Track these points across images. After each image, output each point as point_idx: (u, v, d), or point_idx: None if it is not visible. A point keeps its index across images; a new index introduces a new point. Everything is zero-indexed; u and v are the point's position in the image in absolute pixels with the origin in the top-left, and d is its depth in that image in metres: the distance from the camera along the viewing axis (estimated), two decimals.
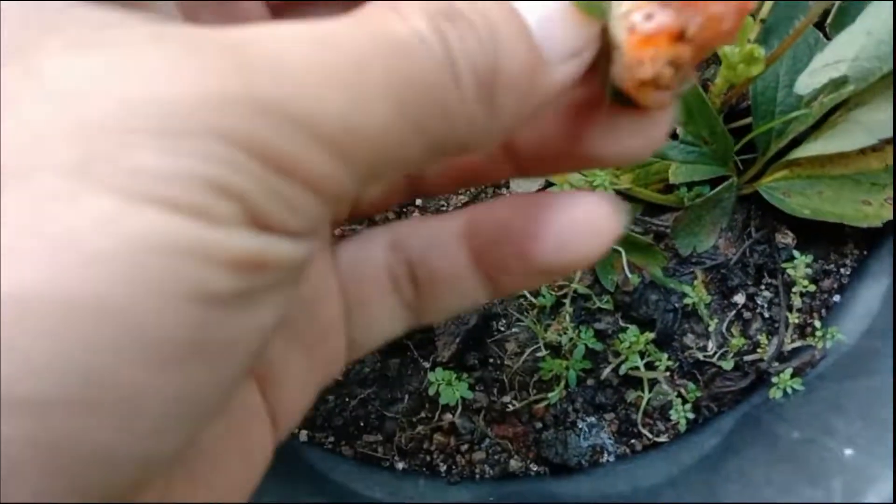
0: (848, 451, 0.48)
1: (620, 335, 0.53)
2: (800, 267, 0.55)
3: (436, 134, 0.18)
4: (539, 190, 0.56)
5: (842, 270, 0.58)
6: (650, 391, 0.54)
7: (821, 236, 0.57)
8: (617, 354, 0.54)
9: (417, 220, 0.25)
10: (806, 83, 0.51)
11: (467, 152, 0.20)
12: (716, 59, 0.57)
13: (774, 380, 0.53)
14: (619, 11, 0.20)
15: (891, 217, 0.54)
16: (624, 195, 0.55)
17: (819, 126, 0.54)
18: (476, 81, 0.18)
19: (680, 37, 0.19)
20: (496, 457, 0.54)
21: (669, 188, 0.56)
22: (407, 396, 0.55)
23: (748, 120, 0.55)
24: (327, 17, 0.18)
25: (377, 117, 0.17)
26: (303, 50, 0.16)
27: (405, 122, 0.18)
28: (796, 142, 0.54)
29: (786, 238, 0.58)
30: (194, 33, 0.16)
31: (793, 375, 0.53)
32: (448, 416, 0.55)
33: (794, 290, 0.55)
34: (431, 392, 0.53)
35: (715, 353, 0.55)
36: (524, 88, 0.19)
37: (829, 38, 0.53)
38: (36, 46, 0.15)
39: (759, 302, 0.57)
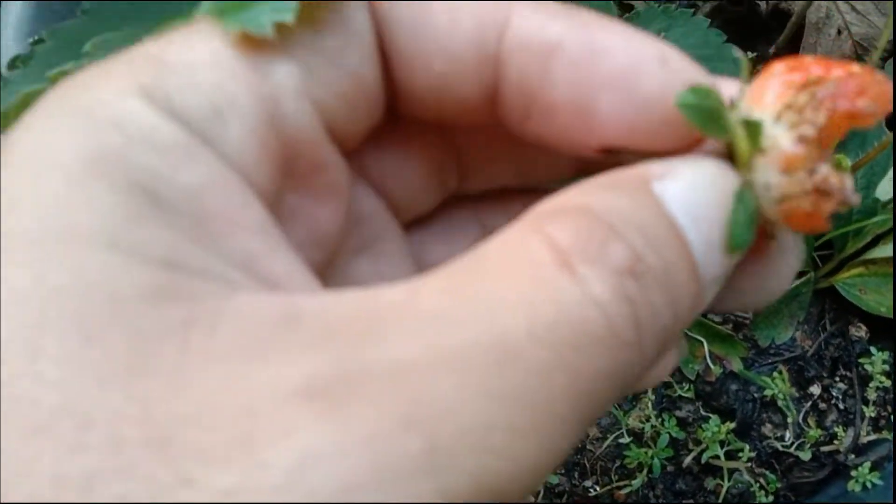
0: None
1: (703, 424, 0.55)
2: (877, 363, 0.57)
3: (608, 401, 0.16)
4: None
5: None
6: (729, 479, 0.56)
7: (892, 330, 0.59)
8: (697, 442, 0.56)
9: None
10: (886, 190, 0.53)
11: None
12: None
13: (853, 473, 0.55)
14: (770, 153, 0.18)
15: None
16: None
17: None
18: (656, 340, 0.16)
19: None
20: None
21: None
22: None
23: None
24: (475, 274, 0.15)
25: (562, 444, 0.15)
26: (477, 383, 0.14)
27: (584, 424, 0.15)
28: (873, 241, 0.57)
29: (859, 331, 0.60)
30: (349, 377, 0.14)
31: (871, 469, 0.55)
32: (530, 499, 0.56)
33: (870, 384, 0.57)
34: None
35: (793, 443, 0.57)
36: (686, 323, 0.18)
37: None
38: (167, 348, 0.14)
39: (834, 393, 0.58)
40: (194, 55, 0.17)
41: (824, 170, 0.18)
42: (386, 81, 0.19)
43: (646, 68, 0.18)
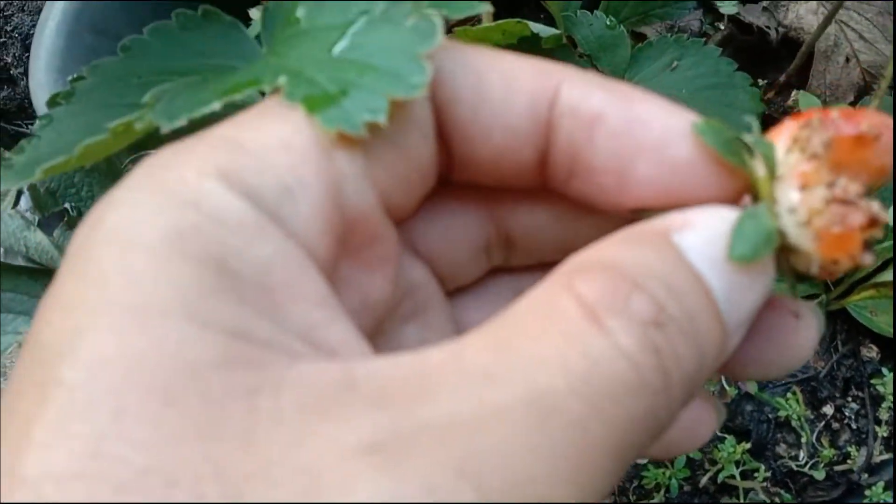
0: None
1: (718, 445, 0.56)
2: (888, 383, 0.58)
3: (642, 445, 0.17)
4: None
5: None
6: (745, 499, 0.57)
7: None
8: (714, 462, 0.57)
9: None
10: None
11: None
12: None
13: (867, 493, 0.56)
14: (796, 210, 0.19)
15: None
16: None
17: None
18: (683, 386, 0.17)
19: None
20: None
21: None
22: None
23: None
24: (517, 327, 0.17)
25: (602, 485, 0.16)
26: (521, 434, 0.15)
27: (621, 468, 0.16)
28: (883, 265, 0.58)
29: (870, 352, 0.61)
30: (404, 433, 0.15)
31: (885, 489, 0.56)
32: None
33: (882, 404, 0.58)
34: None
35: (807, 462, 0.58)
36: (714, 367, 0.19)
37: None
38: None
39: (846, 413, 0.59)
40: (267, 139, 0.18)
41: (843, 182, 0.19)
42: (441, 155, 0.21)
43: (679, 137, 0.20)
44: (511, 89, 0.20)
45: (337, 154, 0.19)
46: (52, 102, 0.38)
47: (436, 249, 0.23)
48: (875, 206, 0.19)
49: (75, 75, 0.38)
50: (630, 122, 0.20)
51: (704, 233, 0.19)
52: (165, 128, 0.26)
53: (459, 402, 0.15)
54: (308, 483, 0.14)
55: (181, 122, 0.27)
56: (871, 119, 0.19)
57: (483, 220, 0.23)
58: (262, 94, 0.27)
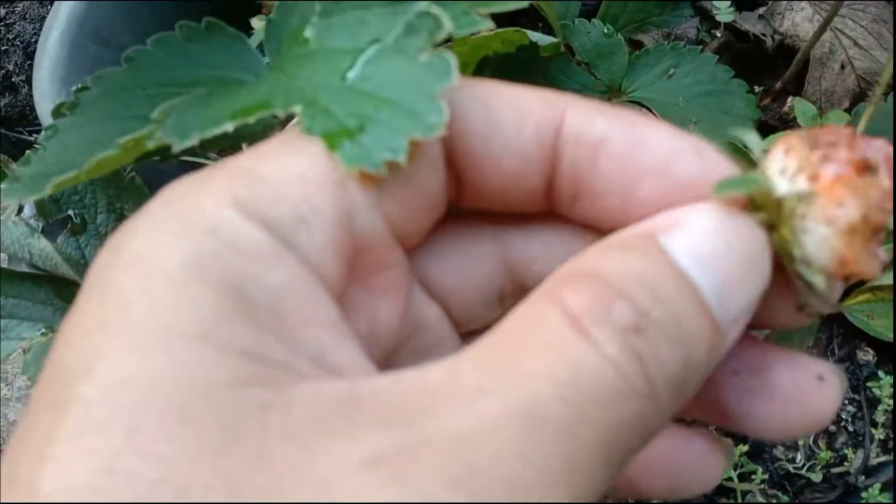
0: None
1: None
2: (885, 387, 0.58)
3: (634, 452, 0.18)
4: None
5: None
6: (742, 500, 0.57)
7: None
8: None
9: None
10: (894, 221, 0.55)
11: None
12: None
13: (864, 494, 0.56)
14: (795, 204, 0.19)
15: None
16: None
17: None
18: (670, 387, 0.18)
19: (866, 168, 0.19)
20: None
21: None
22: None
23: None
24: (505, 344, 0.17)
25: (594, 489, 0.17)
26: (513, 445, 0.16)
27: (612, 470, 0.17)
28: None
29: (867, 356, 0.61)
30: (406, 449, 0.16)
31: (881, 490, 0.56)
32: None
33: (878, 407, 0.59)
34: None
35: (804, 465, 0.58)
36: (706, 365, 0.19)
37: None
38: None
39: (843, 416, 0.60)
40: (284, 170, 0.19)
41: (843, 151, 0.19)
42: (451, 183, 0.22)
43: (683, 158, 0.20)
44: (521, 119, 0.21)
45: (350, 184, 0.20)
46: (57, 113, 0.38)
47: (448, 287, 0.23)
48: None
49: (80, 85, 0.39)
50: (633, 146, 0.21)
51: (692, 231, 0.19)
52: (177, 146, 0.27)
53: (456, 417, 0.16)
54: (317, 494, 0.15)
55: (193, 140, 0.27)
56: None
57: (495, 258, 0.24)
58: (276, 117, 0.28)
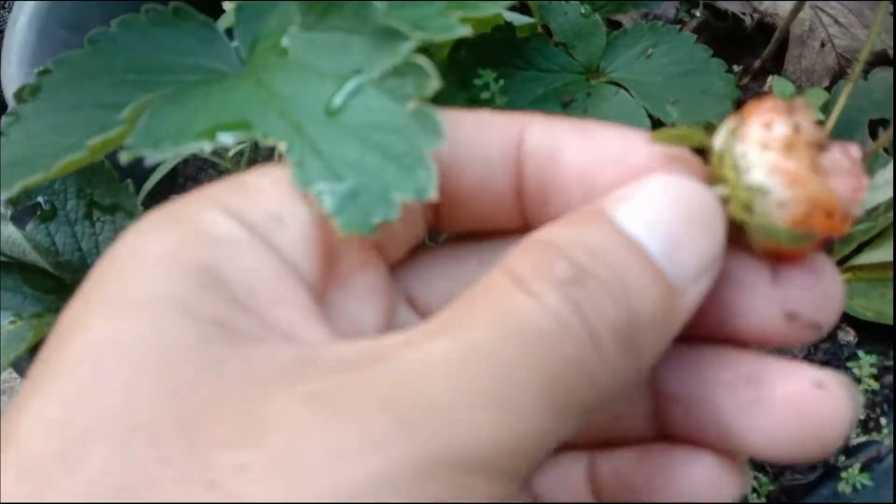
0: None
1: None
2: (865, 367, 0.58)
3: (584, 402, 0.18)
4: None
5: None
6: None
7: (880, 334, 0.61)
8: None
9: None
10: (870, 197, 0.55)
11: (610, 401, 0.20)
12: None
13: (843, 475, 0.56)
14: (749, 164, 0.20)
15: None
16: None
17: (881, 234, 0.58)
18: (615, 338, 0.18)
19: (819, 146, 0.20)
20: None
21: None
22: None
23: None
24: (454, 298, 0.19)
25: (529, 422, 0.17)
26: (448, 376, 0.17)
27: (555, 412, 0.18)
28: (858, 248, 0.58)
29: (847, 336, 0.61)
30: (347, 385, 0.17)
31: (861, 470, 0.56)
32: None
33: (859, 387, 0.59)
34: None
35: None
36: (662, 323, 0.19)
37: (889, 155, 0.57)
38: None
39: None
40: (265, 179, 0.22)
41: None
42: (427, 206, 0.24)
43: (636, 145, 0.22)
44: (483, 131, 0.23)
45: None
46: (18, 98, 0.37)
47: (435, 305, 0.24)
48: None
49: (41, 68, 0.38)
50: (590, 144, 0.22)
51: (638, 198, 0.20)
52: (151, 159, 0.27)
53: (400, 358, 0.18)
54: (252, 424, 0.17)
55: (166, 153, 0.27)
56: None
57: (480, 274, 0.25)
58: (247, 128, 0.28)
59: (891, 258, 0.57)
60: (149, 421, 0.17)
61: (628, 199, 0.20)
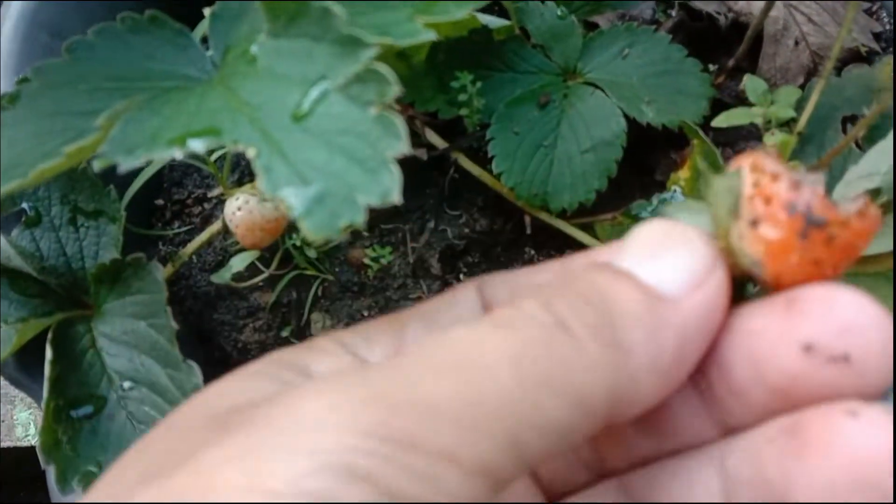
0: None
1: None
2: None
3: (566, 388, 0.19)
4: None
5: None
6: None
7: None
8: None
9: None
10: (842, 193, 0.56)
11: (629, 405, 0.20)
12: None
13: None
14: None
15: None
16: None
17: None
18: (584, 324, 0.20)
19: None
20: None
21: None
22: None
23: None
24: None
25: (497, 394, 0.18)
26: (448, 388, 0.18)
27: (525, 389, 0.19)
28: None
29: None
30: (342, 388, 0.19)
31: None
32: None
33: None
34: None
35: None
36: (649, 323, 0.20)
37: (862, 151, 0.58)
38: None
39: None
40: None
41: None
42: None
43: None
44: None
45: None
46: None
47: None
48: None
49: (21, 77, 0.39)
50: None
51: (623, 245, 0.22)
52: (124, 166, 0.28)
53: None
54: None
55: (139, 160, 0.28)
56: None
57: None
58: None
59: (866, 252, 0.57)
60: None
61: (619, 253, 0.22)
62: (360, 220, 0.24)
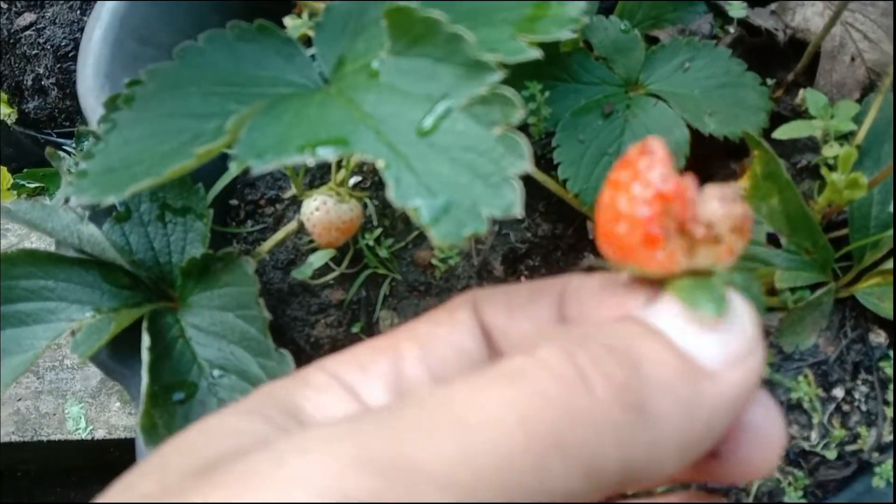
0: None
1: None
2: None
3: (579, 452, 0.18)
4: None
5: None
6: (760, 477, 0.60)
7: None
8: None
9: None
10: None
11: (643, 475, 0.19)
12: (813, 175, 0.63)
13: (877, 470, 0.58)
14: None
15: None
16: None
17: None
18: (608, 384, 0.19)
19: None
20: None
21: (773, 290, 0.62)
22: None
23: (845, 231, 0.62)
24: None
25: (498, 460, 0.17)
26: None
27: (532, 452, 0.18)
28: (889, 252, 0.61)
29: (878, 337, 0.63)
30: (331, 447, 0.18)
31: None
32: None
33: (890, 386, 0.61)
34: None
35: (819, 443, 0.61)
36: (683, 394, 0.19)
37: None
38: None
39: (856, 396, 0.62)
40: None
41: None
42: None
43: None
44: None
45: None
46: (112, 105, 0.40)
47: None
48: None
49: (132, 79, 0.41)
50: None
51: (661, 302, 0.22)
52: (257, 169, 0.30)
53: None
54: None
55: (271, 165, 0.30)
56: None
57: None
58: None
59: None
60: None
61: (650, 300, 0.22)
62: (484, 230, 0.26)
